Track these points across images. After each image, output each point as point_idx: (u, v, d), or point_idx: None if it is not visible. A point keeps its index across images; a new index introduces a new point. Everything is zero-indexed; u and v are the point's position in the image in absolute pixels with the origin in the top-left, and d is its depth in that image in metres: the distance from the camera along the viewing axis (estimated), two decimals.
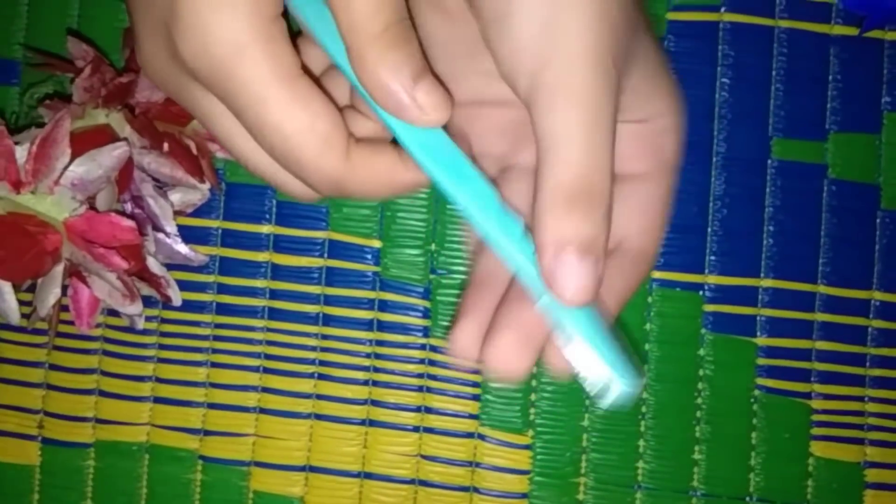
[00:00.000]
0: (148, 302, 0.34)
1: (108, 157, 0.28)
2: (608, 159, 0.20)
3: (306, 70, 0.21)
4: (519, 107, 0.22)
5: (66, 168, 0.29)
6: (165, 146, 0.30)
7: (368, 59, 0.19)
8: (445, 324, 0.35)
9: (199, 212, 0.35)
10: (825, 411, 0.34)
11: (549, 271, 0.20)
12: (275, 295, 0.35)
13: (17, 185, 0.29)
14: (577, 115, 0.20)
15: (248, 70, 0.19)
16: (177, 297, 0.33)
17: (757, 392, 0.34)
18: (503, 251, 0.21)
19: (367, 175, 0.21)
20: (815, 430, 0.34)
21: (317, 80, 0.22)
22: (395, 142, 0.22)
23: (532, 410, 0.34)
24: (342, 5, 0.19)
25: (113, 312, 0.35)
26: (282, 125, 0.20)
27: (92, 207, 0.30)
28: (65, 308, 0.32)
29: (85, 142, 0.29)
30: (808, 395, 0.34)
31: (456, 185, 0.21)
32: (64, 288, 0.31)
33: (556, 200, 0.20)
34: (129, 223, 0.29)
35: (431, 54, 0.24)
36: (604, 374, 0.22)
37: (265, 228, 0.35)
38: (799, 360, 0.34)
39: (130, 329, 0.34)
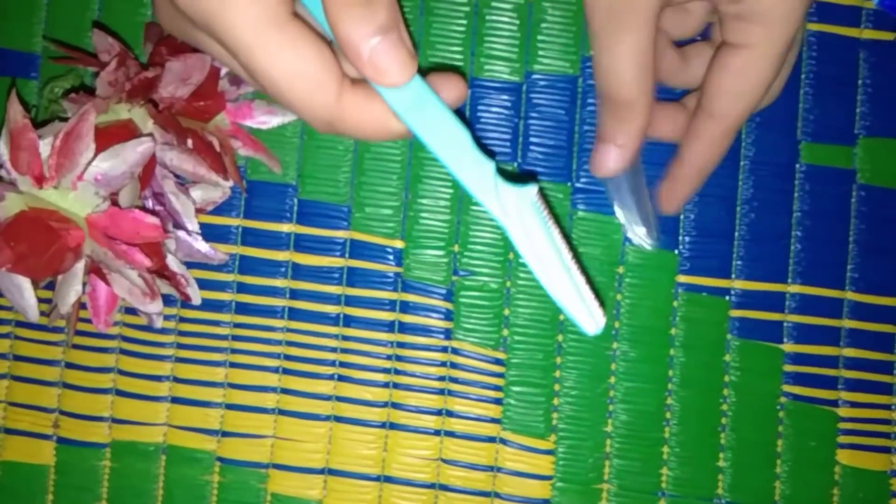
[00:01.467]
0: (166, 300, 0.33)
1: (132, 153, 0.28)
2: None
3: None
4: None
5: (89, 163, 0.28)
6: (189, 142, 0.29)
7: (332, 12, 0.20)
8: (468, 326, 0.34)
9: (219, 210, 0.34)
10: (852, 419, 0.34)
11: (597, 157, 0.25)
12: (295, 295, 0.34)
13: (40, 180, 0.28)
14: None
15: (233, 18, 0.20)
16: (196, 296, 0.32)
17: (783, 399, 0.34)
18: (478, 198, 0.23)
19: (359, 119, 0.22)
20: (842, 439, 0.34)
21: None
22: None
23: (555, 415, 0.34)
24: None
25: (131, 310, 0.34)
26: (269, 70, 0.21)
27: (114, 203, 0.29)
28: (82, 306, 0.32)
29: (108, 137, 0.29)
30: (835, 403, 0.34)
31: (428, 137, 0.22)
32: (82, 286, 0.31)
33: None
34: (153, 219, 0.28)
35: None
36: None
37: (286, 227, 0.34)
38: (826, 367, 0.34)
39: (148, 328, 0.34)
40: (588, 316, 0.23)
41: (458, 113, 0.25)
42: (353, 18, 0.20)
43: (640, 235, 0.33)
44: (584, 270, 0.24)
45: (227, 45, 0.21)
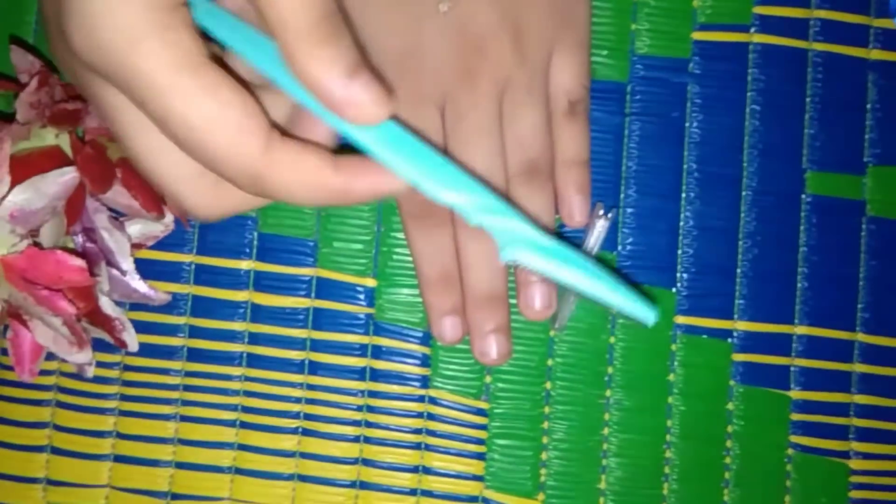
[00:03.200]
0: (108, 346, 0.27)
1: (52, 185, 0.22)
2: None
3: (218, 60, 0.19)
4: None
5: (3, 197, 0.22)
6: (119, 175, 0.23)
7: (299, 56, 0.17)
8: (447, 373, 0.28)
9: (169, 244, 0.28)
10: (865, 472, 0.29)
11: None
12: (255, 339, 0.28)
13: None
14: None
15: (145, 61, 0.17)
16: (133, 341, 0.26)
17: (791, 451, 0.28)
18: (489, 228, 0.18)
19: (290, 173, 0.18)
20: (854, 493, 0.28)
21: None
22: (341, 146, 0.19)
23: (543, 471, 0.28)
24: (269, 2, 0.17)
25: None
26: (187, 116, 0.17)
27: (36, 242, 0.23)
28: (3, 352, 0.26)
29: (29, 166, 0.23)
30: (846, 454, 0.29)
31: (421, 173, 0.18)
32: (4, 328, 0.25)
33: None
34: (79, 262, 0.22)
35: None
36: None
37: (245, 264, 0.29)
38: (836, 415, 0.29)
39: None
40: (643, 306, 0.18)
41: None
42: (324, 61, 0.17)
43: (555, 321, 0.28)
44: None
45: (135, 92, 0.17)
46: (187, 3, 0.18)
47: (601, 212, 0.27)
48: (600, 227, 0.27)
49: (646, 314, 0.18)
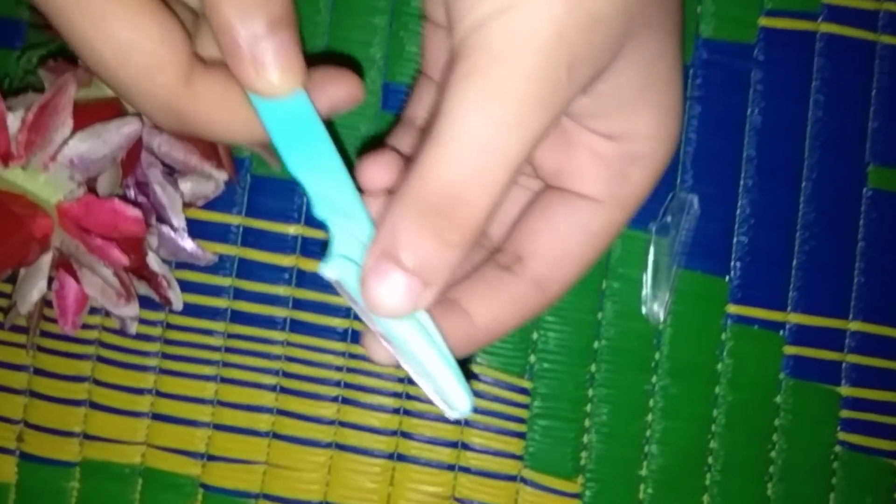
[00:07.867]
0: (152, 304, 0.27)
1: (116, 135, 0.21)
2: (503, 183, 0.16)
3: None
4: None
5: (65, 142, 0.22)
6: None
7: None
8: (491, 349, 0.28)
9: (218, 205, 0.28)
10: None
11: (367, 275, 0.16)
12: (298, 304, 0.28)
13: (6, 158, 0.22)
14: (493, 112, 0.15)
15: None
16: (178, 300, 0.26)
17: (838, 448, 0.28)
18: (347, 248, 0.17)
19: (215, 110, 0.17)
20: None
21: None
22: None
23: (583, 454, 0.27)
24: None
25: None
26: (94, 41, 0.16)
27: (91, 190, 0.22)
28: (48, 304, 0.25)
29: (88, 115, 0.22)
30: (894, 455, 0.28)
31: (301, 166, 0.17)
32: (49, 280, 0.24)
33: (414, 206, 0.16)
34: (135, 212, 0.22)
35: None
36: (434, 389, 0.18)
37: (292, 229, 0.28)
38: (886, 414, 0.28)
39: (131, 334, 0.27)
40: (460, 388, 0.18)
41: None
42: (242, 5, 0.15)
43: (653, 310, 0.27)
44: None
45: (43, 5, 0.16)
46: None
47: (695, 205, 0.26)
48: (692, 217, 0.26)
49: (459, 399, 0.17)
